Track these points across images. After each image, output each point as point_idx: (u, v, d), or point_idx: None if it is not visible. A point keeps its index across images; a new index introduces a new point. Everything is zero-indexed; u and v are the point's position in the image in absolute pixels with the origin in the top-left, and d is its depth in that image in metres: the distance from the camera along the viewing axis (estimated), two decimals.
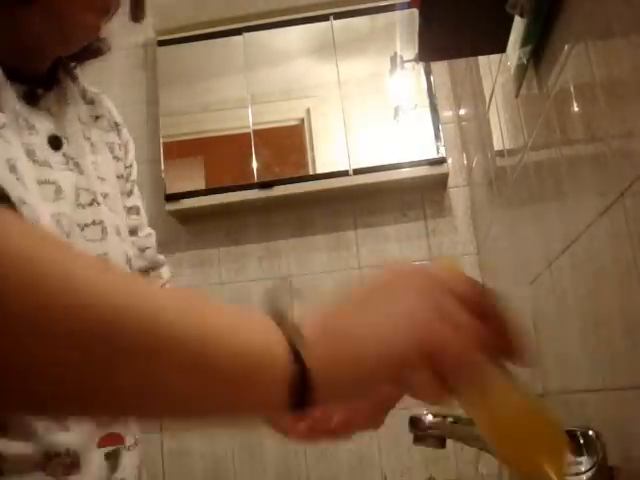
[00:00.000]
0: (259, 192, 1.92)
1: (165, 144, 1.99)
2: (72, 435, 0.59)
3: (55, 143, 0.65)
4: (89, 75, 0.76)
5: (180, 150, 2.04)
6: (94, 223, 0.67)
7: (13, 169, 0.58)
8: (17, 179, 0.58)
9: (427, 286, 0.38)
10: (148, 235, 0.81)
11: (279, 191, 1.91)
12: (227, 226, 2.02)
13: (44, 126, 0.65)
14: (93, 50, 0.72)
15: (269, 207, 1.99)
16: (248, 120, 1.98)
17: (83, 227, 0.66)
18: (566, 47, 0.87)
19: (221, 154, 2.07)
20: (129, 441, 0.66)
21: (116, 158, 0.76)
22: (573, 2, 0.83)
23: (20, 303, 0.28)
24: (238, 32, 2.05)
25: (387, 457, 1.79)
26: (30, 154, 0.61)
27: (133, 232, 0.78)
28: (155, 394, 0.33)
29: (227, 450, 1.83)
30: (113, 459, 0.63)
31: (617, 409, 0.82)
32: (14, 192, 0.56)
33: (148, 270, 0.80)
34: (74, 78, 0.73)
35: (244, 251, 2.00)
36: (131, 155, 0.80)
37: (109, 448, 0.63)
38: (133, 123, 2.29)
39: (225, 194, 1.93)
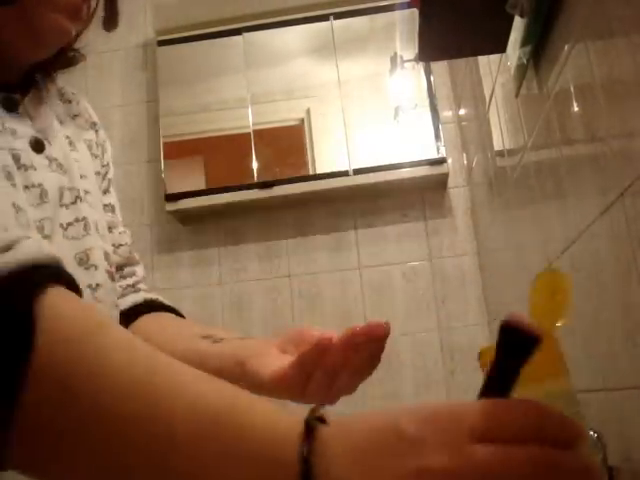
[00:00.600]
0: (259, 192, 1.92)
1: (165, 144, 1.99)
2: None
3: (37, 146, 0.65)
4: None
5: (180, 150, 2.04)
6: (77, 220, 0.68)
7: (9, 176, 0.58)
8: (13, 185, 0.58)
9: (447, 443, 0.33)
10: (122, 232, 0.83)
11: (279, 191, 1.91)
12: (227, 226, 2.02)
13: (25, 130, 0.65)
14: (67, 59, 0.72)
15: (269, 207, 1.99)
16: (248, 120, 1.98)
17: (66, 227, 0.67)
18: (566, 47, 0.87)
19: (221, 154, 2.07)
20: None
21: (94, 155, 0.77)
22: (573, 2, 0.83)
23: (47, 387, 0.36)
24: (238, 32, 2.05)
25: None
26: (16, 159, 0.61)
27: (108, 229, 0.79)
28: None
29: None
30: None
31: (617, 409, 0.82)
32: (12, 199, 0.56)
33: (122, 267, 0.81)
34: (52, 80, 0.73)
35: (244, 251, 2.00)
36: (108, 155, 0.82)
37: None
38: (133, 123, 2.31)
39: (225, 194, 1.93)
